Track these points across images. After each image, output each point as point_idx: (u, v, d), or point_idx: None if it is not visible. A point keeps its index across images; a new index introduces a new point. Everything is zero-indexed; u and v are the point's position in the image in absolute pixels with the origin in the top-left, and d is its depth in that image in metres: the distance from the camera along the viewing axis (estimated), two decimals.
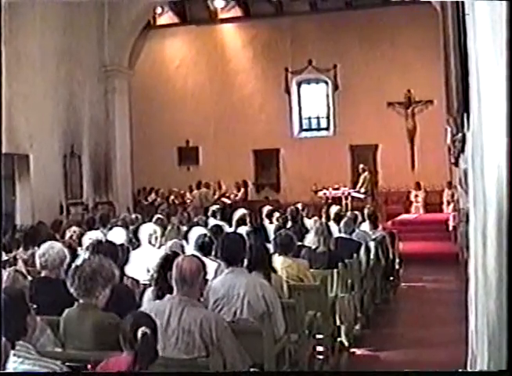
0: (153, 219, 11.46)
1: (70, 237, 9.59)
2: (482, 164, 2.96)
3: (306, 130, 27.03)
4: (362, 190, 21.16)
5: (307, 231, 10.48)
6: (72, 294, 4.59)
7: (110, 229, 10.54)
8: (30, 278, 6.28)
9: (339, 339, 7.93)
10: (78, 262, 4.75)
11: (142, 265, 7.74)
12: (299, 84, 26.93)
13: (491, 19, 2.58)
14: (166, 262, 5.25)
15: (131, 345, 3.73)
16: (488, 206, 2.84)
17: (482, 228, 3.14)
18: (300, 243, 8.71)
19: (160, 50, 27.43)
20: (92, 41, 21.50)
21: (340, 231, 10.30)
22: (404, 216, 22.32)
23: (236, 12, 26.90)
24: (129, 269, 7.41)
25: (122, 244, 8.35)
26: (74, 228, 10.13)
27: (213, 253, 7.17)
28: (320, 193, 21.55)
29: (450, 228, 17.79)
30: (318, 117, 27.01)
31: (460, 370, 3.69)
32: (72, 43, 20.09)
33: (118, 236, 8.99)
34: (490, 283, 2.87)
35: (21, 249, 8.86)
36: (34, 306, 3.62)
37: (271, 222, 12.43)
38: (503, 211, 2.41)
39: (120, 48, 22.39)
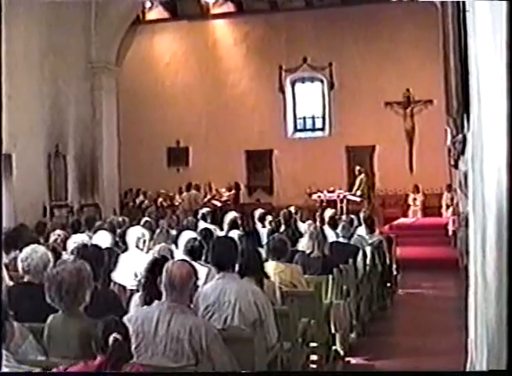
0: (141, 222, 11.45)
1: (55, 241, 9.55)
2: (482, 166, 2.98)
3: (300, 130, 27.04)
4: (358, 193, 21.17)
5: (301, 235, 10.50)
6: (52, 303, 4.59)
7: (96, 232, 10.54)
8: (11, 283, 6.27)
9: (334, 348, 7.94)
10: (55, 269, 4.73)
11: (129, 269, 7.74)
12: (293, 83, 26.94)
13: (492, 17, 2.59)
14: (154, 267, 5.25)
15: (103, 351, 3.78)
16: (487, 210, 2.86)
17: (482, 232, 3.16)
18: (293, 247, 8.72)
19: (149, 46, 27.41)
20: (78, 36, 21.47)
21: (338, 236, 10.35)
22: (402, 220, 22.36)
23: (229, 7, 26.90)
24: (116, 274, 7.42)
25: (110, 248, 8.37)
26: (59, 231, 10.07)
27: (203, 258, 7.17)
28: (314, 196, 21.53)
29: (449, 232, 17.83)
30: (313, 117, 27.02)
31: (460, 371, 3.71)
32: (57, 39, 20.04)
33: (103, 239, 8.98)
34: (490, 290, 2.88)
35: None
36: (11, 313, 3.62)
37: (263, 226, 12.44)
38: (503, 215, 2.43)
39: (108, 43, 22.37)
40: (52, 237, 9.70)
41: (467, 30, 3.93)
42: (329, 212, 12.97)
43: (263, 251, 7.40)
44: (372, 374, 8.11)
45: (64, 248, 8.88)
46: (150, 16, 27.29)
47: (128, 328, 3.97)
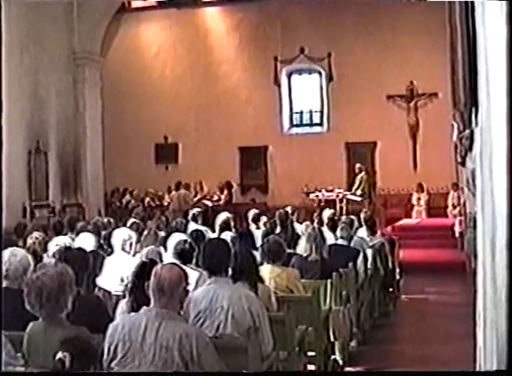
0: (128, 224, 11.46)
1: (33, 244, 9.51)
2: (491, 163, 2.97)
3: (297, 126, 27.06)
4: (359, 192, 21.18)
5: (298, 237, 10.51)
6: (32, 310, 4.57)
7: (79, 234, 10.53)
8: None
9: (333, 357, 7.94)
10: (35, 274, 4.71)
11: (115, 274, 7.74)
12: (290, 75, 26.95)
13: (502, 3, 2.59)
14: (142, 271, 5.25)
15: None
16: (497, 210, 2.85)
17: (491, 234, 3.15)
18: (290, 250, 8.72)
19: (135, 36, 27.39)
20: (60, 25, 21.42)
21: (337, 238, 10.36)
22: (405, 221, 22.40)
23: None
24: (101, 279, 7.40)
25: (95, 251, 8.35)
26: (36, 234, 9.96)
27: (194, 261, 7.17)
28: (312, 196, 21.55)
29: (456, 234, 17.85)
30: (310, 112, 27.04)
31: (461, 370, 3.72)
32: (37, 27, 20.00)
33: (87, 242, 8.97)
34: (500, 295, 2.88)
35: None
36: None
37: (258, 227, 12.46)
38: None
39: (91, 33, 22.33)
40: (30, 241, 9.63)
41: (476, 18, 3.93)
42: (327, 213, 12.97)
43: (257, 254, 7.40)
44: (371, 374, 8.13)
45: (45, 251, 8.87)
46: (137, 3, 27.24)
47: (96, 351, 3.96)
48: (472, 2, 4.09)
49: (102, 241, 9.81)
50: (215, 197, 23.20)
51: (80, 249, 6.67)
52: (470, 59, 4.31)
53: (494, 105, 2.88)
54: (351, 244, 10.37)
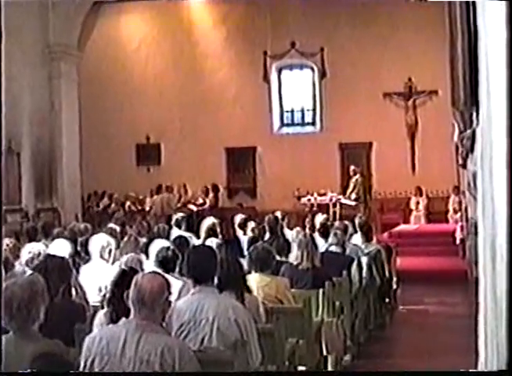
0: (106, 229, 11.45)
1: (4, 251, 9.48)
2: (491, 165, 2.99)
3: (288, 125, 27.06)
4: (353, 196, 21.21)
5: (288, 244, 10.52)
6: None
7: (54, 240, 10.52)
8: None
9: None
10: (4, 283, 4.71)
11: (92, 283, 7.73)
12: (280, 71, 26.95)
13: (502, 3, 2.62)
14: (122, 280, 5.25)
15: None
16: (497, 214, 2.87)
17: (491, 240, 3.17)
18: (279, 258, 8.73)
19: (115, 29, 27.31)
20: (34, 16, 21.36)
21: (330, 245, 10.36)
22: (402, 227, 22.43)
23: None
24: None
25: (71, 258, 8.34)
26: (7, 240, 9.96)
27: (177, 269, 7.17)
28: (304, 200, 21.58)
29: (457, 241, 17.89)
30: (302, 110, 27.05)
31: (460, 371, 3.74)
32: (9, 18, 19.92)
33: (62, 249, 8.95)
34: (500, 307, 2.89)
35: None
36: None
37: (245, 234, 12.46)
38: None
39: (68, 25, 22.29)
40: None
41: (477, 12, 3.95)
42: (320, 218, 13.02)
43: (245, 262, 7.40)
44: (370, 374, 8.14)
45: (17, 259, 8.85)
46: None
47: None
48: (473, 1, 4.11)
49: (78, 248, 9.80)
50: (200, 201, 23.19)
51: (57, 257, 6.66)
52: (471, 56, 4.33)
53: (495, 104, 2.90)
54: (345, 252, 10.39)
